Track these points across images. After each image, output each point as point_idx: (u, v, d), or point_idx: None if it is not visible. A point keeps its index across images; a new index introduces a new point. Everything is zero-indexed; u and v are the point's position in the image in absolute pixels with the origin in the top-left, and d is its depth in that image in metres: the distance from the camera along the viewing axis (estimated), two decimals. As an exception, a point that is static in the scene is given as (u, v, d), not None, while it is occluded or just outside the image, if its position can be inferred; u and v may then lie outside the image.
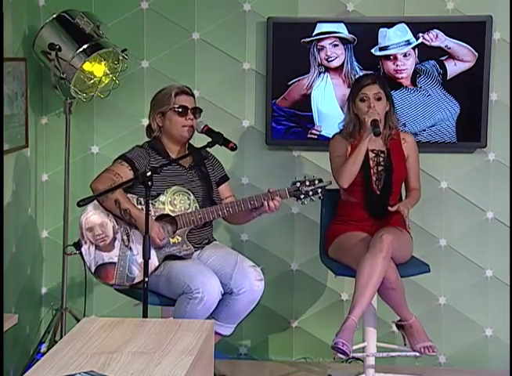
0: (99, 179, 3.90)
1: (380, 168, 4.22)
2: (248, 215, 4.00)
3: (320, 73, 4.63)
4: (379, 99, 4.16)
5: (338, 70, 4.63)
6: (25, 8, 4.54)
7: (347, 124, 4.25)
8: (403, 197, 4.34)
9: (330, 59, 4.62)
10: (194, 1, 4.67)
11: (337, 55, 4.61)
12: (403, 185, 4.32)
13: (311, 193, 3.92)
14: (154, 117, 4.05)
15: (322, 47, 4.61)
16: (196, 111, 4.05)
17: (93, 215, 3.89)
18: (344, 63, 4.62)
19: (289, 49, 4.61)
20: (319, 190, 3.92)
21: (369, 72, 4.50)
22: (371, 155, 4.21)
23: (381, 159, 4.23)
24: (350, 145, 4.23)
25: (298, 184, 3.91)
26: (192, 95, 4.08)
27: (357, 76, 4.50)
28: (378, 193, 4.21)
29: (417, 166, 4.32)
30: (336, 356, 3.97)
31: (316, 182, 3.92)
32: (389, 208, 4.11)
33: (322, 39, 4.59)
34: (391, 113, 4.23)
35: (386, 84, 4.25)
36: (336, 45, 4.61)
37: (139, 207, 3.88)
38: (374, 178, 4.21)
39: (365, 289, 3.91)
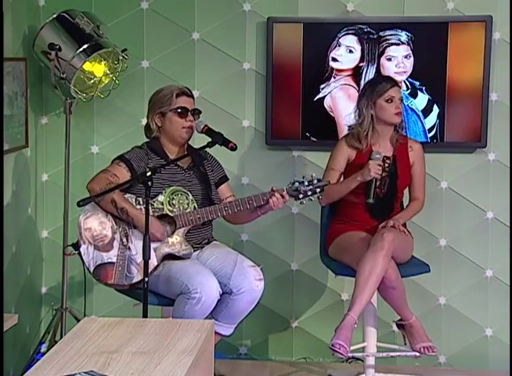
0: (94, 180, 3.90)
1: (385, 174, 4.20)
2: (252, 214, 4.00)
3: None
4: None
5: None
6: (25, 8, 4.54)
7: (360, 122, 4.22)
8: (404, 202, 4.36)
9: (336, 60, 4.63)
10: (194, 1, 4.67)
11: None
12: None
13: (309, 192, 3.90)
14: (153, 118, 4.04)
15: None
16: (196, 112, 4.05)
17: (91, 216, 3.89)
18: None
19: (289, 49, 4.62)
20: (318, 190, 3.90)
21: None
22: None
23: (386, 165, 4.21)
24: (355, 151, 4.22)
25: (297, 184, 3.89)
26: (192, 96, 4.07)
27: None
28: (382, 196, 4.21)
29: (422, 175, 4.31)
30: (335, 355, 3.97)
31: (315, 181, 3.90)
32: (380, 226, 4.12)
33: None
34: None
35: None
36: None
37: (138, 207, 3.88)
38: (378, 183, 4.19)
39: (365, 286, 3.91)
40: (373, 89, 4.20)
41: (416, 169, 4.29)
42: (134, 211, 3.84)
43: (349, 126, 4.35)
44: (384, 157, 4.20)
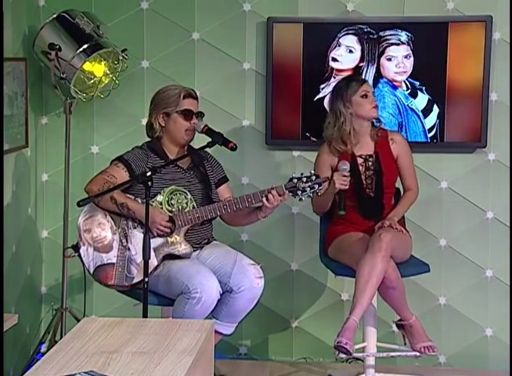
0: (92, 181, 3.91)
1: (370, 173, 4.21)
2: (251, 216, 3.99)
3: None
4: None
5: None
6: (25, 8, 4.54)
7: (342, 122, 4.17)
8: (401, 192, 4.36)
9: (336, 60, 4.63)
10: (194, 1, 4.67)
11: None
12: (399, 182, 4.34)
13: (308, 189, 3.89)
14: (157, 117, 4.02)
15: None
16: (200, 115, 4.04)
17: (91, 217, 3.89)
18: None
19: (289, 49, 4.62)
20: (316, 186, 3.89)
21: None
22: (359, 160, 4.20)
23: (370, 163, 4.22)
24: (336, 158, 4.21)
25: (295, 180, 3.88)
26: (197, 98, 4.05)
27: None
28: (372, 195, 4.21)
29: (411, 165, 4.30)
30: (337, 356, 3.95)
31: (313, 178, 3.89)
32: (376, 226, 4.12)
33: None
34: None
35: None
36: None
37: (137, 206, 3.89)
38: (365, 183, 4.20)
39: (365, 289, 3.91)
40: (346, 88, 4.20)
41: (403, 161, 4.28)
42: (135, 205, 3.83)
43: (326, 136, 4.30)
44: (367, 155, 4.21)
